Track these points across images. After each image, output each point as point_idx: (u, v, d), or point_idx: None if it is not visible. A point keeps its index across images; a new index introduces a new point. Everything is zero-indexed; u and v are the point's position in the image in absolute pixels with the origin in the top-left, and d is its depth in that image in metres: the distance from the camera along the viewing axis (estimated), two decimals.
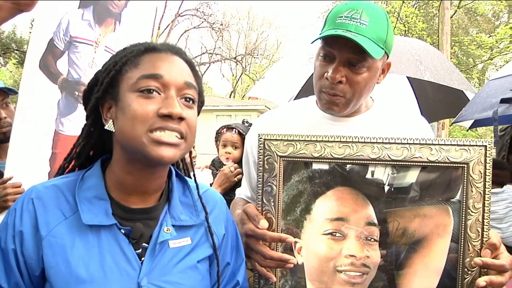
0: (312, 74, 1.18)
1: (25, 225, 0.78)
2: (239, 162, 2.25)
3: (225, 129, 2.42)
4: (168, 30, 23.41)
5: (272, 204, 1.01)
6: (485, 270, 0.94)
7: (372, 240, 0.99)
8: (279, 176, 1.01)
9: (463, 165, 0.96)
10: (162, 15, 22.47)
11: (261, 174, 1.02)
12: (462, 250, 0.96)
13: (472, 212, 0.95)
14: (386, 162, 0.98)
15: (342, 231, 0.99)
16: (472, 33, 19.29)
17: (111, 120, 0.82)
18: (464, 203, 0.96)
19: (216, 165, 2.54)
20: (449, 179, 0.98)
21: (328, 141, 1.00)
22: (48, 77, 1.70)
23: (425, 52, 2.87)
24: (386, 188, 0.99)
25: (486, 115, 2.43)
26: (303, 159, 1.01)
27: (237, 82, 30.18)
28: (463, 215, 0.96)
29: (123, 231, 0.81)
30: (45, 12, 1.68)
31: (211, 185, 2.23)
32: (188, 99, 0.82)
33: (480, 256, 0.94)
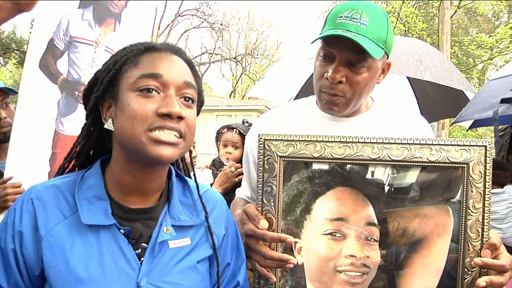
0: (312, 74, 1.18)
1: (24, 225, 0.78)
2: (239, 162, 2.25)
3: (225, 129, 2.42)
4: (168, 30, 23.43)
5: (272, 204, 1.01)
6: (485, 270, 0.94)
7: (372, 240, 0.99)
8: (279, 176, 1.01)
9: (463, 165, 0.96)
10: (162, 15, 22.50)
11: (261, 174, 1.02)
12: (462, 250, 0.96)
13: (472, 212, 0.95)
14: (386, 162, 0.98)
15: (342, 231, 0.99)
16: (472, 33, 19.29)
17: (110, 119, 0.82)
18: (464, 203, 0.96)
19: (216, 165, 2.54)
20: (449, 179, 0.98)
21: (328, 141, 1.00)
22: (48, 77, 1.70)
23: (425, 52, 2.87)
24: (386, 188, 0.99)
25: (486, 115, 2.43)
26: (303, 159, 1.01)
27: (237, 82, 30.18)
28: (463, 215, 0.96)
29: (123, 231, 0.81)
30: (45, 12, 1.68)
31: (211, 185, 2.23)
32: (187, 99, 0.82)
33: (480, 256, 0.94)
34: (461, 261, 0.96)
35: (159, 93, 0.79)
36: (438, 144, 0.97)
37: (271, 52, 29.94)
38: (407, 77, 3.19)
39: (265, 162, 1.01)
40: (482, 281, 0.90)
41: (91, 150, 0.93)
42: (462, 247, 0.96)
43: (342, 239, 0.99)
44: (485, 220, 0.95)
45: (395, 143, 0.99)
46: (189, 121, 0.81)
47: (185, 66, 0.85)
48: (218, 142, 2.48)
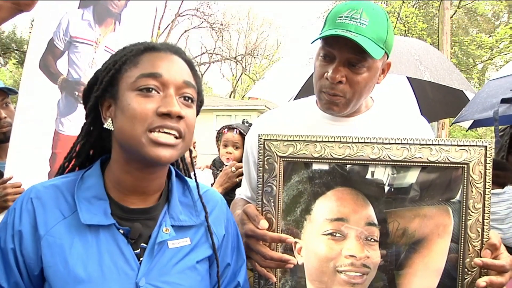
0: (312, 74, 1.18)
1: (24, 225, 0.79)
2: (239, 162, 2.25)
3: (226, 129, 2.42)
4: (168, 30, 23.43)
5: (272, 204, 1.01)
6: (485, 270, 0.94)
7: (372, 240, 0.98)
8: (279, 177, 1.01)
9: (463, 166, 0.96)
10: (162, 15, 22.49)
11: (261, 174, 1.01)
12: (462, 250, 0.96)
13: (472, 212, 0.95)
14: (386, 163, 0.98)
15: (342, 231, 0.99)
16: (472, 33, 19.29)
17: (110, 119, 0.82)
18: (464, 204, 0.96)
19: (216, 165, 2.54)
20: (449, 180, 0.98)
21: (328, 141, 1.00)
22: (48, 77, 1.70)
23: (425, 52, 2.87)
24: (386, 188, 0.99)
25: (486, 115, 2.43)
26: (303, 160, 1.00)
27: (237, 82, 30.18)
28: (463, 215, 0.96)
29: (122, 231, 0.81)
30: (45, 12, 1.68)
31: (212, 185, 2.23)
32: (187, 98, 0.82)
33: (480, 257, 0.94)
34: (461, 261, 0.96)
35: (158, 93, 0.79)
36: (438, 144, 0.97)
37: (271, 52, 29.96)
38: (407, 77, 3.19)
39: (265, 162, 1.01)
40: (482, 281, 0.90)
41: (91, 150, 0.93)
42: (462, 247, 0.96)
43: (342, 239, 0.99)
44: (485, 220, 0.95)
45: (395, 143, 0.98)
46: (189, 120, 0.81)
47: (184, 65, 0.85)
48: (219, 142, 2.49)
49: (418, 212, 0.98)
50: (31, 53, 1.66)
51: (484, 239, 0.95)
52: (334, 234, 0.99)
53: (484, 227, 0.95)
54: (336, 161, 1.00)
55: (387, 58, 1.15)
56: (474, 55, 17.54)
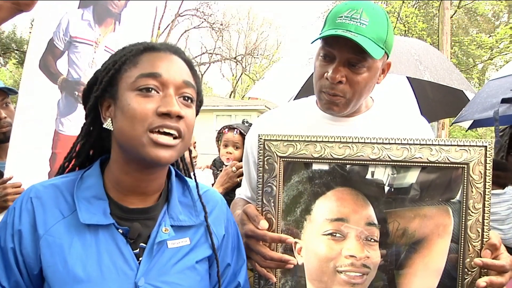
0: (312, 74, 1.18)
1: (23, 224, 0.79)
2: (240, 162, 2.25)
3: (226, 129, 2.43)
4: (168, 30, 23.43)
5: (272, 204, 1.01)
6: (485, 270, 0.94)
7: (372, 240, 0.98)
8: (279, 177, 1.01)
9: (463, 166, 0.96)
10: (162, 15, 22.49)
11: (261, 174, 1.01)
12: (462, 250, 0.96)
13: (472, 212, 0.95)
14: (386, 163, 0.98)
15: (342, 231, 0.99)
16: (472, 33, 19.29)
17: (109, 119, 0.82)
18: (464, 204, 0.96)
19: (217, 165, 2.54)
20: (449, 180, 0.97)
21: (328, 141, 1.00)
22: (48, 77, 1.70)
23: (425, 52, 2.87)
24: (386, 188, 0.99)
25: (487, 115, 2.43)
26: (303, 160, 1.00)
27: (237, 82, 30.17)
28: (463, 215, 0.96)
29: (121, 231, 0.81)
30: (45, 12, 1.68)
31: (212, 185, 2.22)
32: (186, 98, 0.82)
33: (480, 257, 0.94)
34: (461, 262, 0.96)
35: (158, 93, 0.79)
36: (438, 145, 0.97)
37: (271, 52, 29.94)
38: (407, 77, 3.19)
39: (265, 163, 1.01)
40: (482, 281, 0.90)
41: (91, 150, 0.93)
42: (462, 248, 0.96)
43: (342, 240, 0.99)
44: (485, 221, 0.95)
45: (395, 143, 0.98)
46: (188, 120, 0.81)
47: (184, 65, 0.85)
48: (219, 142, 2.49)
49: (418, 212, 0.98)
50: (31, 53, 1.66)
51: (484, 239, 0.95)
52: (334, 234, 0.99)
53: (484, 227, 0.95)
54: (336, 161, 1.00)
55: (387, 58, 1.15)
56: (474, 55, 17.54)
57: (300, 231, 1.01)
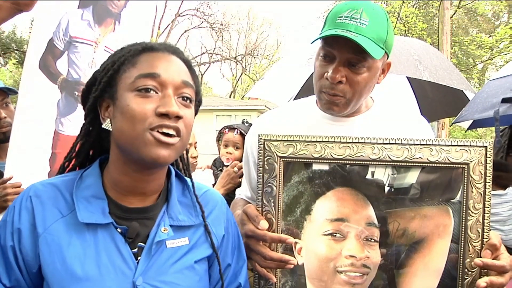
0: (312, 74, 1.17)
1: (23, 223, 0.79)
2: (240, 162, 2.25)
3: (227, 129, 2.43)
4: (168, 30, 23.44)
5: (272, 204, 1.01)
6: (485, 270, 0.94)
7: (372, 240, 0.98)
8: (279, 177, 1.01)
9: (464, 166, 0.96)
10: (162, 15, 22.51)
11: (261, 174, 1.01)
12: (462, 250, 0.96)
13: (473, 212, 0.95)
14: (386, 163, 0.98)
15: (342, 231, 0.99)
16: (472, 33, 19.29)
17: (108, 119, 0.83)
18: (464, 204, 0.96)
19: (217, 165, 2.54)
20: (449, 180, 0.97)
21: (328, 141, 1.00)
22: (48, 77, 1.70)
23: (425, 52, 2.87)
24: (386, 188, 0.99)
25: (487, 115, 2.43)
26: (303, 160, 1.00)
27: (237, 82, 30.17)
28: (464, 215, 0.96)
29: (119, 230, 0.81)
30: (45, 12, 1.68)
31: (213, 185, 2.22)
32: (185, 98, 0.82)
33: (480, 257, 0.94)
34: (461, 262, 0.96)
35: (157, 93, 0.79)
36: (439, 145, 0.97)
37: (271, 52, 29.94)
38: (407, 77, 3.18)
39: (265, 163, 1.01)
40: (482, 281, 0.89)
41: (91, 150, 0.93)
42: (462, 248, 0.96)
43: (342, 240, 0.99)
44: (485, 221, 0.95)
45: (395, 143, 0.98)
46: (187, 120, 0.81)
47: (182, 65, 0.85)
48: (219, 142, 2.49)
49: (418, 212, 0.98)
50: (31, 53, 1.66)
51: (484, 240, 0.95)
52: (334, 234, 0.99)
53: (484, 227, 0.95)
54: (336, 161, 1.00)
55: (387, 58, 1.15)
56: (474, 55, 17.54)
57: (300, 231, 1.01)
